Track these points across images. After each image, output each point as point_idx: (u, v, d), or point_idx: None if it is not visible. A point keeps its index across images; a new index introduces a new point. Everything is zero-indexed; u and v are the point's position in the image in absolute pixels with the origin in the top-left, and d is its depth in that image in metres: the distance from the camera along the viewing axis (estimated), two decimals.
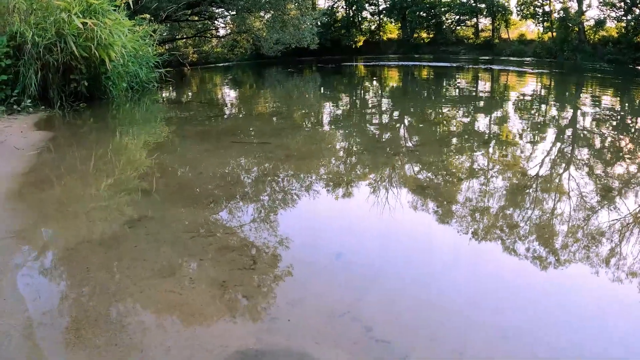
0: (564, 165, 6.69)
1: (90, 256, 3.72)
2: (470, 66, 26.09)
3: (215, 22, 28.72)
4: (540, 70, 22.86)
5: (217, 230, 4.31)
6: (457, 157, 7.11)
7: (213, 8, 25.58)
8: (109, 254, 3.76)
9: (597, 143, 7.99)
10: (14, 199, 5.05)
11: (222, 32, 30.14)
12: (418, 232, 4.52)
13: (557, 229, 4.44)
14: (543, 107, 12.57)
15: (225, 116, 11.33)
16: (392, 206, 5.01)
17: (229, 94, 16.60)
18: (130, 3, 13.37)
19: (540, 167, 6.45)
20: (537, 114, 11.29)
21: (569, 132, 9.09)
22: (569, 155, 7.33)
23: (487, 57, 31.98)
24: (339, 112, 12.20)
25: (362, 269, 3.66)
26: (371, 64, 29.70)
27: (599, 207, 4.92)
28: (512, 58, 31.11)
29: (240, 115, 11.69)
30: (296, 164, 6.51)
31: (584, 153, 7.41)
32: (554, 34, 31.06)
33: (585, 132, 9.02)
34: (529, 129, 9.19)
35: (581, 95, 14.85)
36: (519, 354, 2.74)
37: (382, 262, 3.82)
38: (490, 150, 7.55)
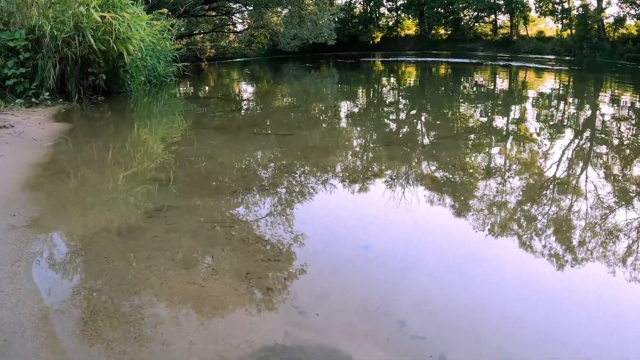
0: (600, 163, 6.45)
1: (108, 246, 3.58)
2: (489, 63, 25.70)
3: (233, 17, 28.62)
4: (559, 68, 22.43)
5: (239, 220, 4.15)
6: (481, 153, 6.90)
7: (230, 3, 25.51)
8: (128, 244, 3.62)
9: (620, 142, 7.72)
10: (31, 188, 4.94)
11: (239, 27, 30.06)
12: (448, 225, 4.30)
13: (597, 229, 4.22)
14: (564, 105, 12.24)
15: (244, 110, 11.18)
16: (418, 198, 4.82)
17: (247, 89, 16.46)
18: None
19: (575, 166, 6.23)
20: (559, 113, 11.00)
21: (592, 130, 8.82)
22: (602, 154, 7.08)
23: (505, 54, 31.54)
24: (358, 107, 12.00)
25: (392, 261, 3.47)
26: (389, 60, 29.44)
27: None
28: (530, 55, 30.65)
29: (259, 110, 11.54)
30: (318, 156, 6.33)
31: (610, 152, 7.14)
32: (573, 31, 30.56)
33: (605, 131, 8.71)
34: (558, 128, 8.93)
35: (600, 93, 14.49)
36: (564, 353, 2.55)
37: (412, 254, 3.63)
38: (517, 147, 7.33)
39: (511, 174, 5.72)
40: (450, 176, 5.58)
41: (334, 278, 3.20)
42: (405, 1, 39.14)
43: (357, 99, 13.52)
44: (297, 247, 3.64)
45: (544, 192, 5.04)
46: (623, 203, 4.67)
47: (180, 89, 15.40)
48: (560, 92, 14.55)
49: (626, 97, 13.38)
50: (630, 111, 10.71)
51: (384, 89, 16.23)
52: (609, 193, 4.95)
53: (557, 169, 5.88)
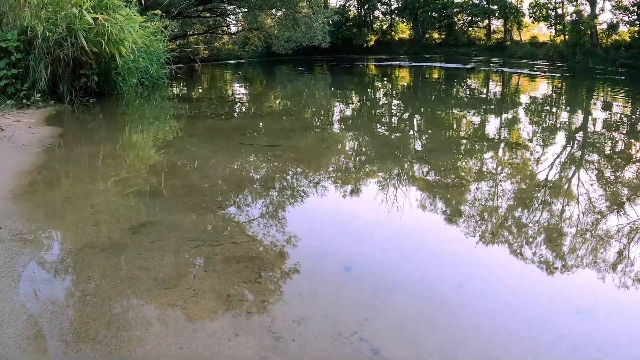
0: (593, 170, 6.53)
1: (92, 264, 3.64)
2: (482, 68, 25.87)
3: (227, 18, 28.70)
4: (552, 74, 22.61)
5: (222, 238, 4.21)
6: (472, 163, 6.95)
7: (225, 5, 25.55)
8: (112, 261, 3.68)
9: (613, 148, 7.81)
10: (19, 199, 4.99)
11: (233, 29, 30.19)
12: (433, 246, 4.36)
13: (590, 239, 4.29)
14: (556, 114, 12.35)
15: (235, 114, 11.24)
16: (405, 217, 4.88)
17: (240, 92, 16.52)
18: None
19: (568, 174, 6.31)
20: (553, 120, 11.11)
21: (586, 137, 8.92)
22: (596, 161, 7.16)
23: (498, 59, 31.75)
24: (351, 113, 12.08)
25: (372, 284, 3.52)
26: (383, 63, 29.55)
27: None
28: (523, 61, 30.86)
29: (250, 114, 11.59)
30: (306, 170, 6.41)
31: (603, 159, 7.21)
32: (567, 37, 30.80)
33: (597, 137, 8.80)
34: (553, 134, 9.02)
35: (592, 100, 14.69)
36: None
37: (393, 276, 3.69)
38: (508, 156, 7.40)
39: (504, 196, 5.75)
40: (438, 195, 5.65)
41: (312, 301, 3.27)
42: (400, 5, 39.32)
43: (349, 105, 13.59)
44: (278, 269, 3.70)
45: (540, 207, 5.10)
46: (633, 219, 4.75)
47: (173, 91, 15.44)
48: (553, 101, 14.66)
49: (618, 104, 13.50)
50: (621, 117, 10.86)
51: (377, 94, 16.31)
52: (615, 212, 5.01)
53: (558, 179, 5.94)
